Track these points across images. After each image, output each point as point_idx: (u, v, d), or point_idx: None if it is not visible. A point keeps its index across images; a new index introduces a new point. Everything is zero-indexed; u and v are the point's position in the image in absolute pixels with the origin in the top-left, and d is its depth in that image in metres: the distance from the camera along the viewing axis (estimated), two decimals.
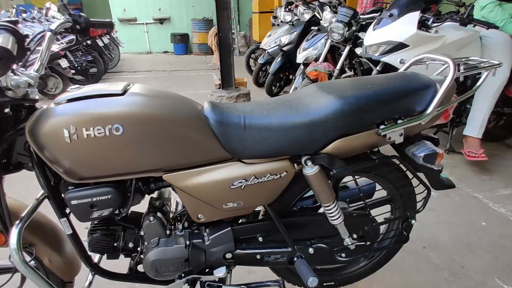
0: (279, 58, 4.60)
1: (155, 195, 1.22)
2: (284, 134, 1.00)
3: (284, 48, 4.56)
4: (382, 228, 1.42)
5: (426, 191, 1.24)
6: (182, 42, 9.36)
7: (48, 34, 0.96)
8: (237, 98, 3.88)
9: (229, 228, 1.15)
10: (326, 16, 3.58)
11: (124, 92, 0.96)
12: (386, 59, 2.38)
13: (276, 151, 1.03)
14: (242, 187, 1.04)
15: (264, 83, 4.82)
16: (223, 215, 1.13)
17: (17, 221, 0.93)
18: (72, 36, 5.16)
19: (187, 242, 1.12)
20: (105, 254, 1.16)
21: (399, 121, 1.05)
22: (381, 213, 1.32)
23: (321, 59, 3.42)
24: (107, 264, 1.20)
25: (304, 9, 4.41)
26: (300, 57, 4.01)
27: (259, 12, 7.95)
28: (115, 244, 1.14)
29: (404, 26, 2.32)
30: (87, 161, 0.93)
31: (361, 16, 3.19)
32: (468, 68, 1.15)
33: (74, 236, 1.07)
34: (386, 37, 2.38)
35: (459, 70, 1.16)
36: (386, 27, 2.41)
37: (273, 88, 4.82)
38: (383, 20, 2.47)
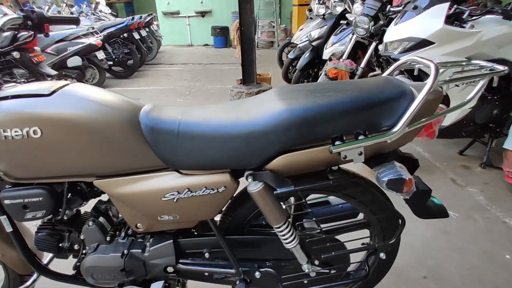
0: (308, 54, 4.37)
1: (103, 198, 1.17)
2: (221, 145, 0.89)
3: (314, 43, 4.33)
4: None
5: (400, 220, 1.04)
6: (222, 35, 9.41)
7: None
8: (256, 95, 3.77)
9: (171, 240, 1.07)
10: (356, 9, 3.30)
11: (51, 93, 0.91)
12: (406, 57, 2.10)
13: (213, 163, 0.92)
14: (175, 200, 0.95)
15: None
16: (163, 226, 1.06)
17: None
18: (111, 29, 5.41)
19: (125, 251, 1.06)
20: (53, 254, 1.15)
21: (360, 137, 0.87)
22: (361, 238, 1.14)
23: (344, 55, 3.16)
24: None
25: (336, 2, 4.13)
26: (327, 53, 3.78)
27: (299, 5, 7.69)
28: (60, 244, 1.12)
29: (430, 20, 2.02)
30: (14, 162, 0.90)
31: (391, 9, 2.88)
32: (460, 78, 0.93)
33: (15, 234, 1.07)
34: (408, 33, 2.10)
35: (449, 76, 0.94)
36: (409, 21, 2.13)
37: None
38: (407, 13, 2.18)
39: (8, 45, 3.38)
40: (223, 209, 1.09)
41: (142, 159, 0.93)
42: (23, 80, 3.64)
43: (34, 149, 0.87)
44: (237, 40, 4.20)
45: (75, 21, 1.27)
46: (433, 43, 2.02)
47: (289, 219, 1.02)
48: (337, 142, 0.87)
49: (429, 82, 0.84)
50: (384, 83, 0.93)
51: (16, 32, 3.35)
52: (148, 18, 6.55)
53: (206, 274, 1.11)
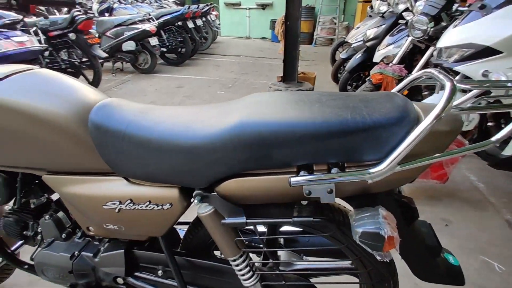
0: (360, 54, 4.01)
1: None
2: (164, 156, 0.75)
3: (368, 43, 3.94)
4: None
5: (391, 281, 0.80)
6: None
7: None
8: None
9: (122, 250, 0.97)
10: (418, 7, 2.89)
11: (3, 78, 0.85)
12: (461, 68, 1.73)
13: (159, 176, 0.79)
14: (117, 210, 0.84)
15: None
16: (114, 234, 0.95)
17: None
18: (167, 17, 5.57)
19: (76, 253, 0.99)
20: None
21: (334, 170, 0.66)
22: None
23: (395, 59, 2.79)
24: None
25: None
26: (378, 55, 3.40)
27: (363, 1, 7.14)
28: (24, 232, 1.09)
29: (499, 23, 1.63)
30: None
31: (459, 8, 2.44)
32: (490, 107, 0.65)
33: None
34: (468, 38, 1.72)
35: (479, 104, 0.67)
36: (471, 24, 1.74)
37: (348, 87, 4.26)
38: (471, 14, 1.79)
39: (66, 27, 3.64)
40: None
41: (86, 160, 0.83)
42: (78, 59, 3.90)
43: None
44: (281, 35, 4.00)
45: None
46: (501, 52, 1.63)
47: (245, 253, 0.84)
48: (302, 173, 0.67)
49: (438, 106, 0.59)
50: (383, 100, 0.70)
51: (74, 15, 3.59)
52: (206, 8, 6.63)
53: None
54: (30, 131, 0.81)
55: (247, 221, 0.74)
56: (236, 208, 0.75)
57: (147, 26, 4.93)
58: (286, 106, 0.71)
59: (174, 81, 5.10)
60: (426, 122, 0.59)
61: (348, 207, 0.79)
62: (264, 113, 0.69)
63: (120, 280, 0.99)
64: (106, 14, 5.58)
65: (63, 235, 1.02)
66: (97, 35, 4.03)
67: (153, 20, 5.16)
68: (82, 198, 0.86)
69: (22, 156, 0.85)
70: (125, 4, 6.22)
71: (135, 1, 6.27)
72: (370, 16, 4.61)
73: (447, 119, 0.63)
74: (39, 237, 1.09)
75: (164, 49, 5.71)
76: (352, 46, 4.40)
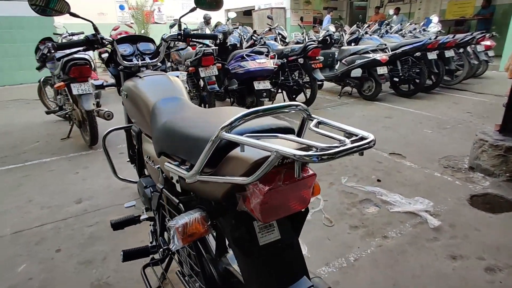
0: None
1: None
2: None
3: None
4: None
5: None
6: None
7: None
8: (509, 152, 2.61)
9: None
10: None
11: (142, 77, 1.57)
12: None
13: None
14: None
15: None
16: None
17: None
18: (406, 47, 5.44)
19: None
20: None
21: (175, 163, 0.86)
22: None
23: None
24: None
25: None
26: None
27: None
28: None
29: None
30: None
31: None
32: None
33: None
34: None
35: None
36: None
37: None
38: None
39: (300, 53, 4.58)
40: None
41: (148, 130, 1.41)
42: (300, 79, 4.77)
43: None
44: (511, 72, 2.96)
45: (214, 37, 1.83)
46: None
47: None
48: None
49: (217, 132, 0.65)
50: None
51: (307, 44, 4.45)
52: (468, 38, 5.76)
53: None
54: (140, 106, 1.44)
55: None
56: None
57: (378, 56, 5.10)
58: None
59: (388, 110, 4.99)
60: (210, 141, 0.66)
61: None
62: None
63: None
64: (353, 44, 6.22)
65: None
66: (321, 60, 4.72)
67: (388, 51, 5.24)
68: (147, 151, 1.43)
69: (137, 119, 1.53)
70: (376, 35, 6.59)
71: (385, 34, 6.49)
72: None
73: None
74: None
75: (397, 79, 5.62)
76: None
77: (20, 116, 5.16)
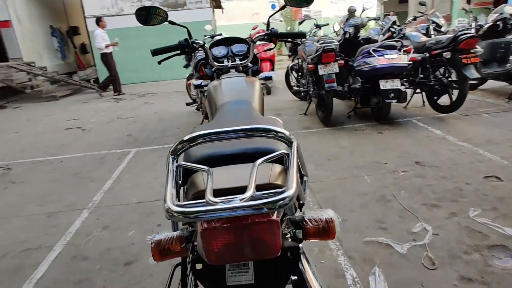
0: None
1: None
2: None
3: None
4: None
5: None
6: None
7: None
8: None
9: None
10: None
11: (221, 79, 1.61)
12: None
13: None
14: None
15: None
16: None
17: None
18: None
19: None
20: None
21: None
22: None
23: None
24: None
25: None
26: None
27: None
28: None
29: None
30: None
31: None
32: None
33: None
34: None
35: None
36: None
37: None
38: None
39: (447, 45, 3.73)
40: None
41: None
42: (445, 78, 3.90)
43: None
44: None
45: (302, 35, 1.68)
46: None
47: None
48: None
49: None
50: None
51: (458, 34, 3.59)
52: None
53: None
54: (212, 106, 1.50)
55: None
56: None
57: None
58: None
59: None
60: None
61: None
62: None
63: None
64: None
65: None
66: (480, 53, 3.67)
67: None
68: None
69: (210, 119, 1.60)
70: None
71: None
72: None
73: None
74: None
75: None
76: None
77: (175, 105, 6.31)
